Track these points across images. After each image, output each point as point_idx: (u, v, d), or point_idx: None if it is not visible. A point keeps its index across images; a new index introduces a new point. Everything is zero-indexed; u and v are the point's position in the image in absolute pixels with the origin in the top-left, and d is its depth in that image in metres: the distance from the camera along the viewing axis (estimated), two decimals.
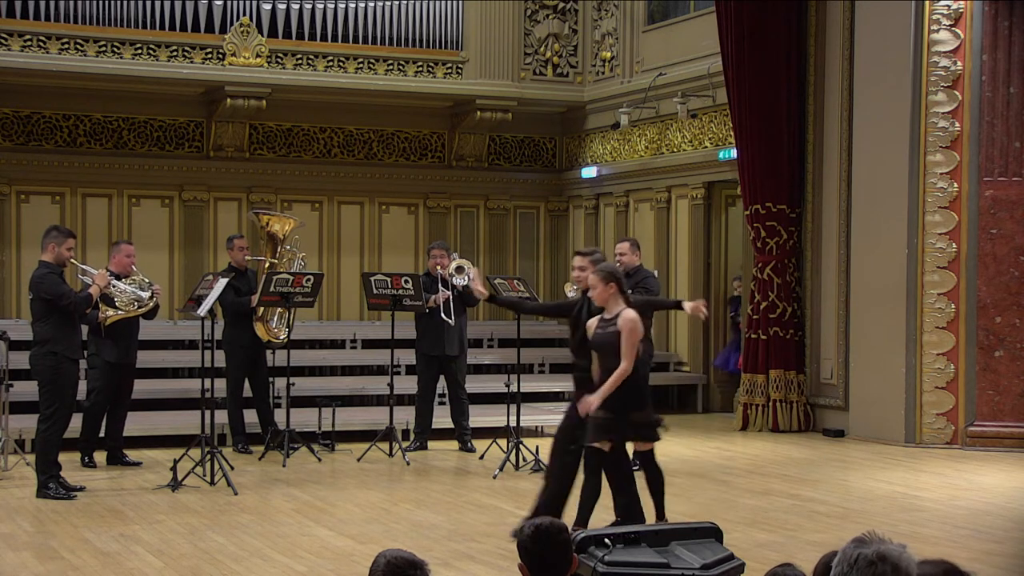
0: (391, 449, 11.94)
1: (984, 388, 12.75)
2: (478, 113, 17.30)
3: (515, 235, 18.47)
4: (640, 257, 11.61)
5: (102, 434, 11.13)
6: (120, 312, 10.58)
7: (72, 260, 9.90)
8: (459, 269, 12.28)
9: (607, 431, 7.91)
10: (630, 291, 11.21)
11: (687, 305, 8.97)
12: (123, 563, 7.56)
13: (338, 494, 10.03)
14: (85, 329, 10.42)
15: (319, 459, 11.66)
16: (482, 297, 9.57)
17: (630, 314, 7.85)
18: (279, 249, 12.32)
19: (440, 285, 12.23)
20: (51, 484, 9.64)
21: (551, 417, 13.82)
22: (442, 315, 12.15)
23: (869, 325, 13.37)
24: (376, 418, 12.80)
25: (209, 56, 16.05)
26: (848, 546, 3.15)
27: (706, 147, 15.77)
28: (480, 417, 12.80)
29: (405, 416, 12.62)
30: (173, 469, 10.04)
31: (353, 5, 16.66)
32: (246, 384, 12.17)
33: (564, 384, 15.29)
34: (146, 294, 10.39)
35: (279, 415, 12.07)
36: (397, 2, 16.90)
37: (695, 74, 15.66)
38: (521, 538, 3.97)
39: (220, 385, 11.73)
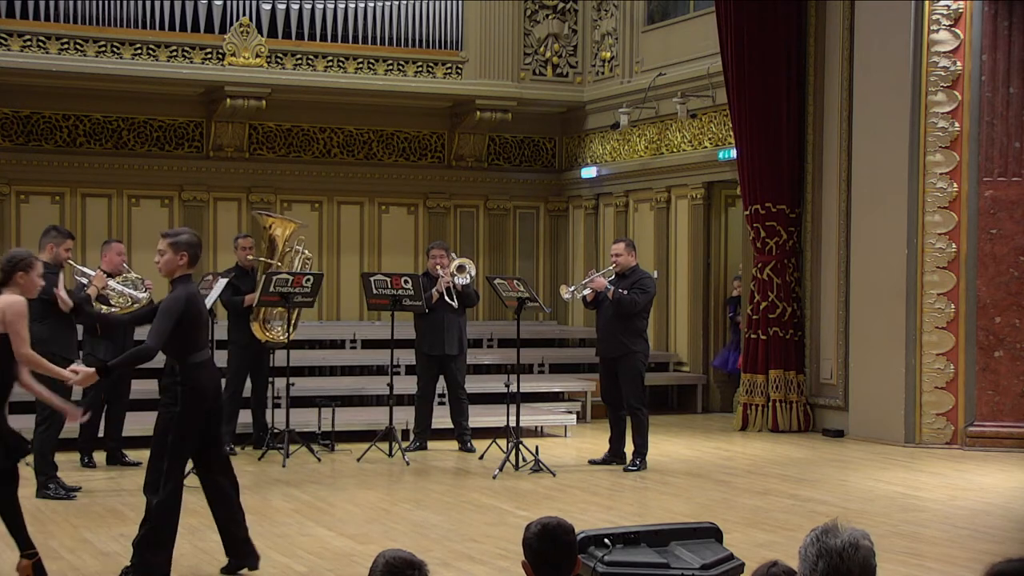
0: (391, 449, 11.94)
1: (984, 388, 12.75)
2: (478, 113, 17.30)
3: (515, 235, 18.47)
4: (636, 257, 11.62)
5: (100, 434, 11.12)
6: (115, 311, 10.57)
7: (70, 261, 9.90)
8: (460, 268, 12.29)
9: None
10: (625, 291, 11.30)
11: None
12: (123, 563, 7.54)
13: (338, 494, 10.03)
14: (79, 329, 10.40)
15: (319, 459, 11.66)
16: None
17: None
18: (277, 251, 12.29)
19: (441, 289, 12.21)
20: (51, 484, 9.65)
21: (551, 417, 13.85)
22: (446, 299, 12.14)
23: (869, 325, 13.37)
24: (376, 418, 12.80)
25: (209, 56, 16.06)
26: (808, 547, 3.26)
27: (706, 147, 15.77)
28: (480, 417, 12.80)
29: (405, 416, 12.61)
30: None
31: (353, 5, 16.66)
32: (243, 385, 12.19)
33: (564, 384, 15.33)
34: (142, 294, 10.36)
35: (279, 415, 12.06)
36: (397, 2, 16.90)
37: (695, 74, 15.66)
38: (527, 536, 3.97)
39: None
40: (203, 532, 8.39)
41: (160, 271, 7.26)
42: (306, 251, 12.44)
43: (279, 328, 12.16)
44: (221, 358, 11.65)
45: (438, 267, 12.36)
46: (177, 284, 7.15)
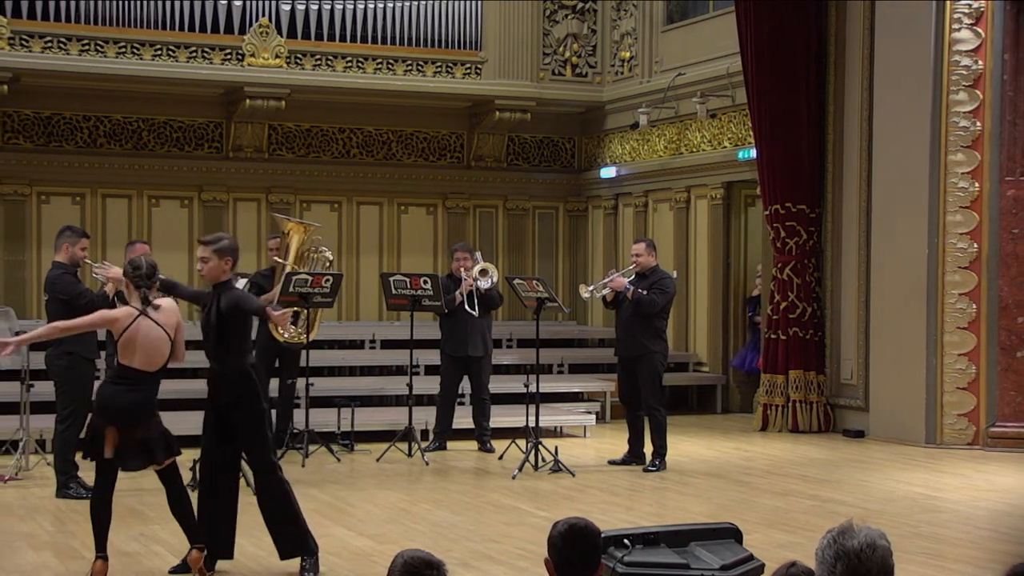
0: (410, 449, 11.94)
1: (1006, 389, 12.68)
2: (497, 113, 17.30)
3: (534, 235, 18.45)
4: (656, 258, 11.61)
5: None
6: None
7: (86, 260, 9.92)
8: (483, 272, 12.29)
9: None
10: (645, 291, 11.28)
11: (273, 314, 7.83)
12: (143, 563, 7.58)
13: (357, 494, 10.03)
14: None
15: (338, 459, 11.67)
16: None
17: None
18: (291, 253, 12.26)
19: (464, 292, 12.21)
20: (71, 484, 9.68)
21: (570, 417, 13.84)
22: (466, 307, 12.14)
23: (889, 325, 13.31)
24: (395, 418, 12.80)
25: (228, 57, 16.09)
26: (825, 549, 3.27)
27: (725, 147, 15.74)
28: (499, 417, 12.79)
29: (424, 416, 12.62)
30: (192, 469, 10.04)
31: (372, 5, 16.67)
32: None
33: (583, 384, 15.32)
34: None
35: (298, 415, 12.07)
36: (416, 2, 16.90)
37: (714, 74, 15.63)
38: (552, 535, 3.97)
39: None
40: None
41: (204, 277, 7.41)
42: (327, 252, 12.42)
43: (293, 328, 12.14)
44: None
45: (462, 269, 12.36)
46: (223, 289, 7.28)
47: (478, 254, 12.73)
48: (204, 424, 7.50)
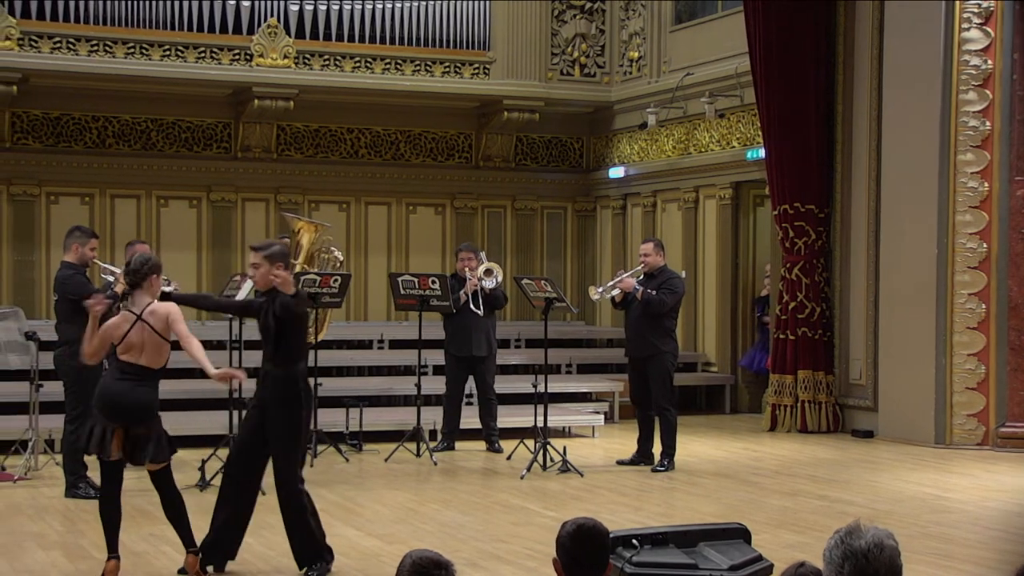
0: (418, 449, 11.94)
1: (1016, 389, 12.66)
2: (505, 113, 17.30)
3: (542, 235, 18.45)
4: (665, 258, 11.60)
5: None
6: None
7: (95, 260, 9.93)
8: (488, 272, 12.29)
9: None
10: (654, 291, 11.28)
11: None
12: (152, 562, 7.59)
13: (366, 494, 10.04)
14: None
15: (346, 459, 11.68)
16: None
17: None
18: (303, 253, 12.26)
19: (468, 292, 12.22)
20: (80, 484, 9.69)
21: (579, 418, 13.83)
22: (471, 307, 12.15)
23: (898, 325, 13.29)
24: (403, 418, 12.80)
25: (237, 57, 16.11)
26: (833, 549, 3.27)
27: (734, 147, 15.72)
28: (507, 417, 12.79)
29: (432, 416, 12.62)
30: (201, 469, 10.07)
31: (380, 6, 16.69)
32: None
33: (592, 384, 15.31)
34: (168, 288, 10.37)
35: None
36: (424, 2, 16.91)
37: (723, 74, 15.62)
38: (561, 535, 3.97)
39: (250, 385, 11.73)
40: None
41: (256, 284, 7.46)
42: (337, 252, 12.41)
43: None
44: (254, 359, 11.67)
45: (466, 269, 12.37)
46: (276, 292, 7.27)
47: (483, 254, 12.75)
48: (243, 422, 7.51)
